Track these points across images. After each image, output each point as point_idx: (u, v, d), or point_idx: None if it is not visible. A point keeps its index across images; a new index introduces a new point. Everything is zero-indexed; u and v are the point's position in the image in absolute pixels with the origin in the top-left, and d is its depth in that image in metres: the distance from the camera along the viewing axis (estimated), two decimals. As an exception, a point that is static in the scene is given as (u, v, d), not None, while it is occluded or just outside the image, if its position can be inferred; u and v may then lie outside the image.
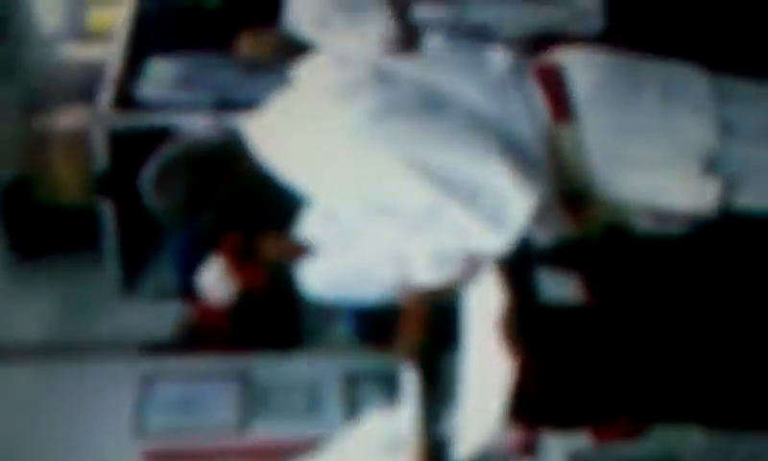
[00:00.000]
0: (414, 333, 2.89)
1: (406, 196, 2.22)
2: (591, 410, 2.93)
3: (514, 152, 2.23)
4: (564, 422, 2.90)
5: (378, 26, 3.63)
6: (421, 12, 3.70)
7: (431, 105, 2.27)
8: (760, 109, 2.33)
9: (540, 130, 2.27)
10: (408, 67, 2.39)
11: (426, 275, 2.35)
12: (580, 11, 3.68)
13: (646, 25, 3.59)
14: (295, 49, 3.56)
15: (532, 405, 2.73)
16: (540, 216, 2.22)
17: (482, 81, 2.32)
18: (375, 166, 2.23)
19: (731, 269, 2.85)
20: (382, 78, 2.33)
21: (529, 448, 2.77)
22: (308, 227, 2.65)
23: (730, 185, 2.29)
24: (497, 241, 2.23)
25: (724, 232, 2.36)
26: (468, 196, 2.19)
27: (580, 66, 2.34)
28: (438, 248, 2.30)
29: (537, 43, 3.47)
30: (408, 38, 3.57)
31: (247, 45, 3.89)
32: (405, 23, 3.64)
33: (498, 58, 2.39)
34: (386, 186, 2.23)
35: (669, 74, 2.36)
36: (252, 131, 2.41)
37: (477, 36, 3.59)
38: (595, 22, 3.69)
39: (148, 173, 2.49)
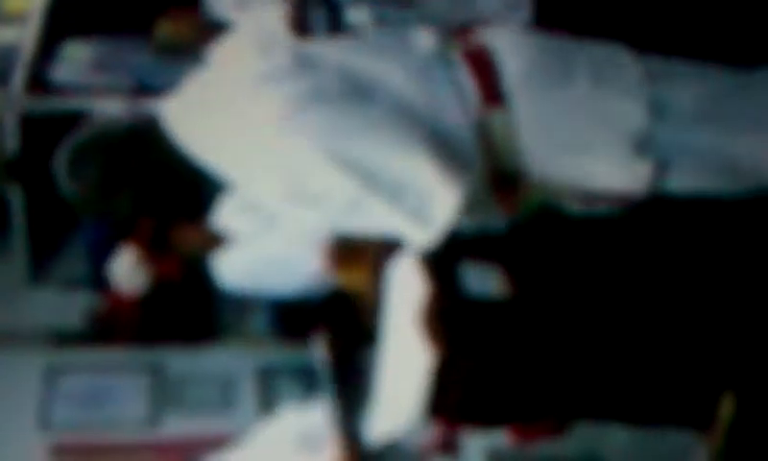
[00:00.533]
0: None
1: (329, 188, 2.19)
2: (513, 408, 2.93)
3: (441, 142, 2.21)
4: (485, 419, 2.89)
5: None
6: None
7: (356, 92, 2.24)
8: (694, 90, 2.33)
9: (469, 114, 2.25)
10: (332, 52, 2.36)
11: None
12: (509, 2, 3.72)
13: (574, 16, 3.60)
14: (214, 31, 3.58)
15: (452, 402, 2.69)
16: (469, 203, 2.20)
17: (408, 65, 2.29)
18: (298, 157, 2.19)
19: (659, 253, 2.86)
20: (305, 64, 2.29)
21: (448, 445, 2.75)
22: (225, 216, 2.62)
23: (661, 167, 2.29)
24: (422, 237, 2.22)
25: (654, 213, 2.34)
26: (393, 191, 2.17)
27: (509, 48, 2.33)
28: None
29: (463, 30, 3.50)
30: (331, 12, 3.58)
31: (166, 29, 3.88)
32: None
33: (424, 40, 2.36)
34: (309, 178, 2.20)
35: (600, 56, 2.36)
36: (168, 112, 2.37)
37: (401, 17, 3.61)
38: (523, 14, 3.72)
39: (60, 157, 2.45)
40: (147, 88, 3.90)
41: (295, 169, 2.17)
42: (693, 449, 2.94)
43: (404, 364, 2.50)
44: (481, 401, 2.92)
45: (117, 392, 3.87)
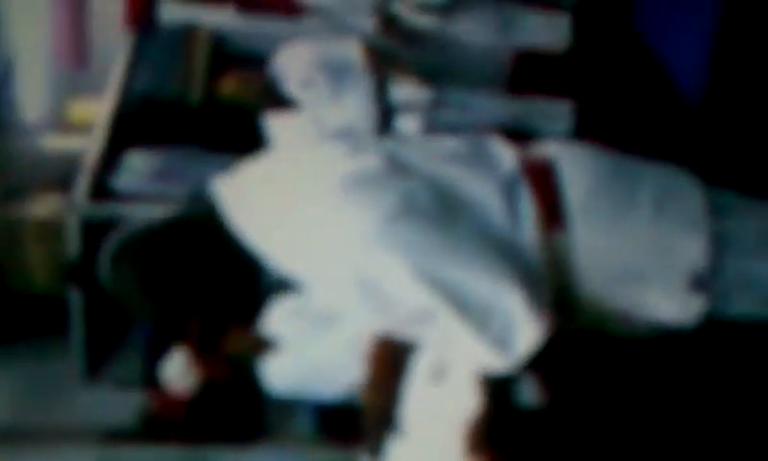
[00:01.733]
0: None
1: (407, 300, 2.07)
2: None
3: (522, 267, 2.10)
4: None
5: (358, 95, 3.63)
6: (401, 92, 3.70)
7: (446, 207, 2.11)
8: (755, 223, 2.25)
9: (536, 235, 2.14)
10: (422, 159, 2.21)
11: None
12: (549, 110, 3.71)
13: (609, 135, 3.59)
14: (276, 98, 3.58)
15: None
16: None
17: (494, 181, 2.16)
18: (384, 269, 2.06)
19: (704, 375, 2.79)
20: (396, 169, 2.15)
21: None
22: (274, 321, 2.53)
23: (718, 298, 2.20)
24: (500, 363, 2.10)
25: (703, 338, 2.26)
26: (480, 315, 2.05)
27: (572, 165, 2.22)
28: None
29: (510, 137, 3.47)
30: (383, 114, 3.56)
31: (230, 86, 3.87)
32: (382, 98, 3.64)
33: (507, 155, 2.23)
34: (388, 290, 2.07)
35: (664, 184, 2.25)
36: (225, 198, 2.20)
37: (450, 128, 3.59)
38: (563, 124, 3.71)
39: (104, 254, 2.35)
40: (204, 197, 3.91)
41: (379, 280, 2.05)
42: None
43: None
44: None
45: None
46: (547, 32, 4.17)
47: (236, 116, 3.90)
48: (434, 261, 2.04)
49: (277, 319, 2.54)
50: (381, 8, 4.02)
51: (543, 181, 2.17)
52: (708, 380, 2.85)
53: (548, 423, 2.67)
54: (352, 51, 3.78)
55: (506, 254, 2.08)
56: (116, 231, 2.36)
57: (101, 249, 2.36)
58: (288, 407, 3.90)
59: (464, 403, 2.26)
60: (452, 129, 3.57)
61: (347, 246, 2.06)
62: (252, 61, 4.10)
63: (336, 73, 3.71)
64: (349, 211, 2.07)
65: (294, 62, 3.76)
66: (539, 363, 2.41)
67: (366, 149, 2.21)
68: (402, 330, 2.18)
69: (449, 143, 2.26)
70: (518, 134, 3.38)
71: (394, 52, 3.88)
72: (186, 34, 4.65)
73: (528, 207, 2.14)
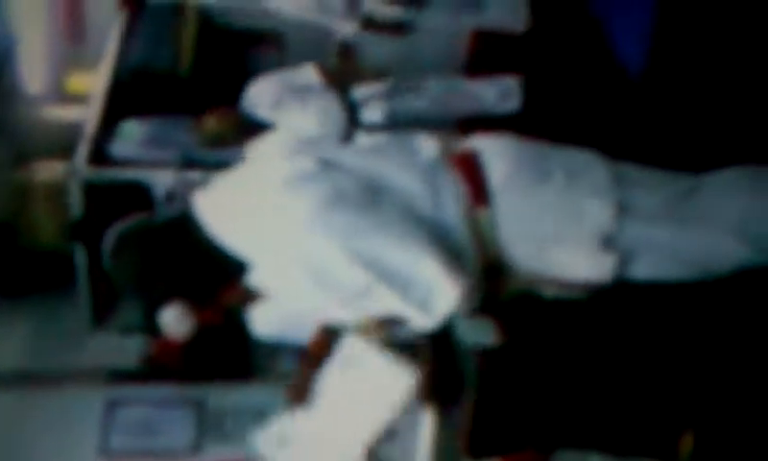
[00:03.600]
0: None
1: (347, 279, 2.20)
2: (504, 439, 2.95)
3: (442, 238, 2.22)
4: (481, 450, 2.88)
5: (323, 103, 3.67)
6: (361, 91, 3.74)
7: (370, 195, 2.23)
8: (655, 193, 2.32)
9: (462, 213, 2.25)
10: (349, 157, 2.35)
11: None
12: (503, 90, 3.74)
13: (557, 110, 3.64)
14: (252, 128, 3.63)
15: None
16: (466, 292, 2.22)
17: (415, 169, 2.29)
18: (321, 252, 2.20)
19: (620, 327, 2.89)
20: (327, 168, 2.29)
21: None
22: (259, 277, 2.62)
23: (625, 259, 2.28)
24: (426, 323, 2.23)
25: (618, 297, 2.36)
26: (403, 285, 2.17)
27: (494, 154, 2.32)
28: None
29: (463, 124, 3.53)
30: (348, 111, 3.60)
31: (211, 124, 3.88)
32: (345, 98, 3.68)
33: (428, 146, 2.35)
34: (329, 269, 2.20)
35: (573, 161, 2.35)
36: (202, 206, 2.36)
37: (410, 115, 3.63)
38: (513, 102, 3.75)
39: (106, 243, 2.44)
40: (193, 163, 3.93)
41: (318, 262, 2.18)
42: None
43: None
44: (479, 434, 2.94)
45: (166, 423, 3.88)
46: (507, 13, 4.15)
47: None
48: (361, 241, 2.16)
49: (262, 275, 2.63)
50: (355, 8, 4.02)
51: (468, 165, 2.28)
52: (620, 334, 2.96)
53: (502, 359, 2.78)
54: (311, 75, 3.82)
55: (426, 232, 2.19)
56: (114, 227, 2.45)
57: (104, 238, 2.45)
58: (274, 349, 3.92)
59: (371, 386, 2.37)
60: (412, 115, 3.62)
61: (291, 235, 2.21)
62: (235, 35, 4.12)
63: (301, 92, 3.76)
64: (290, 205, 2.22)
65: (263, 92, 3.80)
66: (496, 313, 2.54)
67: (301, 153, 2.35)
68: (348, 308, 2.30)
69: (376, 141, 2.35)
70: (472, 118, 3.47)
71: (350, 67, 3.91)
72: (175, 10, 4.58)
73: (452, 190, 2.24)
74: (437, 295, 2.16)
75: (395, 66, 3.84)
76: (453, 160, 2.30)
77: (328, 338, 2.55)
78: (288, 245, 2.22)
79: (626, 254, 2.28)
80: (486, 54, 4.06)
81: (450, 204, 2.25)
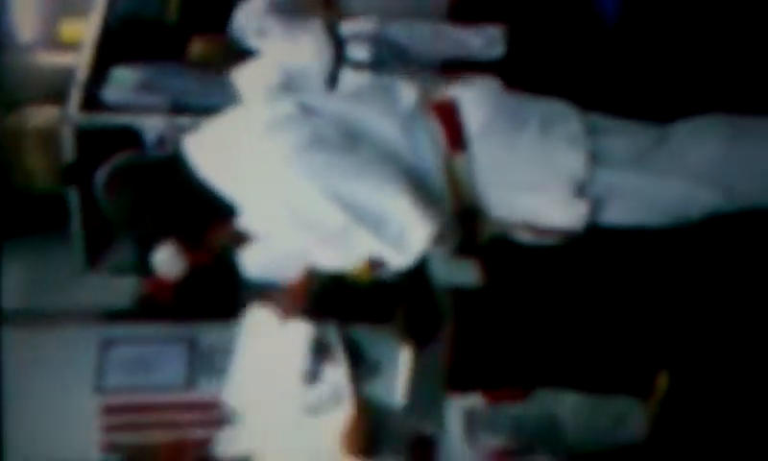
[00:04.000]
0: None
1: (324, 218, 2.22)
2: (485, 376, 3.00)
3: (417, 181, 2.24)
4: (462, 385, 2.93)
5: (311, 35, 3.63)
6: (348, 27, 3.72)
7: (349, 139, 2.25)
8: (625, 142, 2.33)
9: (439, 158, 2.27)
10: (329, 103, 2.37)
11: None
12: (488, 38, 3.73)
13: (537, 58, 3.65)
14: (239, 54, 3.62)
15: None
16: (441, 233, 2.24)
17: (392, 115, 2.30)
18: (299, 193, 2.22)
19: (596, 272, 2.93)
20: (306, 113, 2.30)
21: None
22: (246, 219, 2.66)
23: (597, 206, 2.30)
24: (400, 260, 2.25)
25: (591, 243, 2.40)
26: (377, 223, 2.20)
27: (472, 102, 2.33)
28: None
29: (447, 68, 3.53)
30: (335, 47, 3.58)
31: (198, 49, 3.85)
32: (333, 33, 3.66)
33: (408, 94, 2.36)
34: (308, 209, 2.23)
35: (548, 110, 2.36)
36: (192, 149, 2.37)
37: (396, 55, 3.61)
38: (497, 49, 3.75)
39: (99, 178, 2.42)
40: (183, 108, 3.96)
41: (296, 202, 2.22)
42: (634, 412, 3.04)
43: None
44: (461, 370, 3.00)
45: (159, 360, 3.94)
46: None
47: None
48: (338, 182, 2.19)
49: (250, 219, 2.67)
50: None
51: (446, 112, 2.29)
52: (595, 277, 2.99)
53: (482, 301, 2.83)
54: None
55: (403, 175, 2.21)
56: (108, 162, 2.44)
57: (101, 168, 2.45)
58: (262, 288, 3.79)
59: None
60: (398, 55, 3.61)
61: (271, 178, 2.23)
62: None
63: (288, 18, 3.71)
64: (270, 149, 2.24)
65: (249, 16, 3.76)
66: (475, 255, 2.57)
67: (281, 98, 2.34)
68: (330, 249, 2.33)
69: (357, 87, 2.33)
70: (456, 62, 3.47)
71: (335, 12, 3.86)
72: None
73: (429, 136, 2.26)
74: (410, 233, 2.19)
75: (380, 12, 3.82)
76: (432, 107, 2.31)
77: (310, 279, 2.61)
78: (269, 187, 2.24)
79: (598, 202, 2.30)
80: (469, 3, 4.06)
81: (428, 149, 2.27)
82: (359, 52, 3.62)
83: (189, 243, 3.31)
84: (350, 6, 3.88)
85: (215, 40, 3.84)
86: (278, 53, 3.63)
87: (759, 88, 2.93)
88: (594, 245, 2.44)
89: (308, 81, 3.49)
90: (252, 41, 3.71)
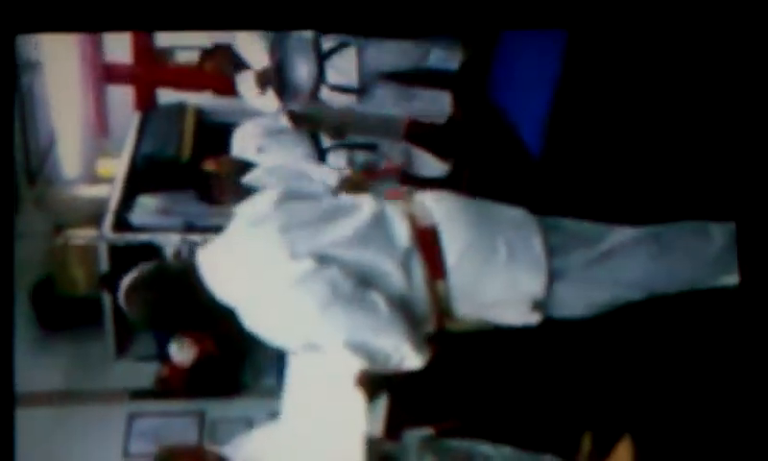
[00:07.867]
0: None
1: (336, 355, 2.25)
2: (434, 414, 2.97)
3: (410, 311, 2.28)
4: (419, 420, 2.90)
5: (300, 147, 3.89)
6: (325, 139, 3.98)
7: (360, 284, 2.24)
8: (580, 257, 2.41)
9: (426, 285, 2.32)
10: (339, 249, 2.29)
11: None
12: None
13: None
14: (243, 167, 3.75)
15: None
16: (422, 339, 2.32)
17: (394, 257, 2.30)
18: (324, 341, 2.23)
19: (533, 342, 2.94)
20: (322, 263, 2.24)
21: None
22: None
23: (548, 310, 2.41)
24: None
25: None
26: (383, 361, 2.25)
27: (449, 228, 2.36)
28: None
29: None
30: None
31: (211, 164, 3.87)
32: (315, 146, 3.91)
33: (403, 232, 2.33)
34: (325, 350, 2.24)
35: (514, 228, 2.40)
36: (203, 264, 2.32)
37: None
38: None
39: (121, 286, 2.34)
40: (194, 228, 4.11)
41: (317, 343, 2.23)
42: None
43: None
44: (416, 411, 3.04)
45: (173, 430, 4.04)
46: (433, 105, 4.25)
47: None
48: (356, 334, 2.21)
49: None
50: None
51: (429, 246, 2.32)
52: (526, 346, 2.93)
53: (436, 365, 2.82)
54: (283, 120, 3.98)
55: (401, 309, 2.26)
56: (129, 273, 2.37)
57: (120, 282, 2.38)
58: (259, 370, 4.15)
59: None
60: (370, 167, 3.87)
61: (295, 323, 2.23)
62: (225, 129, 4.21)
63: (278, 136, 3.91)
64: (296, 302, 2.21)
65: (248, 137, 3.93)
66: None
67: (299, 251, 2.28)
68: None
69: (358, 229, 2.27)
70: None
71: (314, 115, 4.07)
72: (178, 110, 4.79)
73: (419, 268, 2.30)
74: (408, 362, 2.26)
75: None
76: (418, 236, 2.33)
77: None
78: (291, 330, 2.25)
79: (550, 307, 2.39)
80: (417, 138, 4.22)
81: (418, 279, 2.31)
82: (336, 160, 3.89)
83: (198, 336, 3.53)
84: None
85: (222, 159, 3.90)
86: (276, 161, 3.79)
87: (677, 197, 2.94)
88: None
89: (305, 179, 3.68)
90: (252, 156, 3.82)
